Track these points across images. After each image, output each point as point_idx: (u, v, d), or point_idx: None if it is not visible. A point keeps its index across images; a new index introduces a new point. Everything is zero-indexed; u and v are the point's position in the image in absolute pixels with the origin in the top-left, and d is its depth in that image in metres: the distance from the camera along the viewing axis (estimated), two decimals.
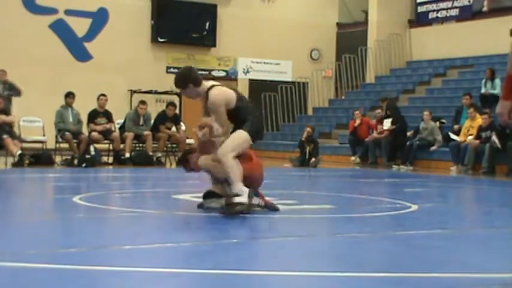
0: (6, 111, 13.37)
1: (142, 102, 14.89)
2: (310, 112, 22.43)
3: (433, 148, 15.21)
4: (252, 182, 6.18)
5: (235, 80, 21.94)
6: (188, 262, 4.05)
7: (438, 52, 20.78)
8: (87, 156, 13.49)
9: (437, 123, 15.81)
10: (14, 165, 12.56)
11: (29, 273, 3.65)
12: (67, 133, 13.65)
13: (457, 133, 14.80)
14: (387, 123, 15.90)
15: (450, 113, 16.19)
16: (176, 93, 20.19)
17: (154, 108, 17.46)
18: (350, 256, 4.52)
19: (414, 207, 7.14)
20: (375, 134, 16.06)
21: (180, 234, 5.30)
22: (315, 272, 3.82)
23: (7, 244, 4.61)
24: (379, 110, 16.71)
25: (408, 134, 15.76)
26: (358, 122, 16.79)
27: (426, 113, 15.40)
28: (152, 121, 14.85)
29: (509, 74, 4.93)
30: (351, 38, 22.77)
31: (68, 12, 19.36)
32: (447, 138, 14.99)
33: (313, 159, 15.20)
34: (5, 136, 12.83)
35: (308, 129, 15.76)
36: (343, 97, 22.36)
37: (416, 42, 22.00)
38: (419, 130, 15.50)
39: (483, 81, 16.36)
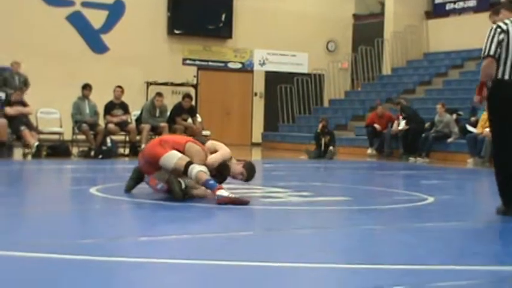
0: (24, 103, 13.45)
1: (159, 94, 14.91)
2: (326, 104, 22.37)
3: (449, 140, 15.13)
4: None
5: (251, 71, 21.92)
6: (203, 253, 4.06)
7: (455, 43, 20.63)
8: (104, 147, 13.55)
9: (454, 115, 15.71)
10: (32, 156, 12.65)
11: (46, 263, 3.67)
12: (84, 125, 13.71)
13: (474, 125, 14.69)
14: (402, 124, 15.73)
15: (467, 105, 16.09)
16: (192, 85, 20.22)
17: (170, 100, 17.49)
18: (366, 248, 4.51)
19: (431, 199, 7.11)
20: (395, 127, 15.87)
21: (195, 225, 5.31)
22: (330, 264, 3.82)
23: (24, 234, 4.64)
24: (400, 100, 16.55)
25: (426, 125, 15.64)
26: (380, 109, 16.60)
27: (439, 105, 15.29)
28: (168, 113, 14.88)
29: (481, 82, 5.57)
30: (367, 30, 22.67)
31: (85, 4, 19.42)
32: (464, 130, 14.90)
33: (331, 148, 15.17)
34: (22, 127, 12.92)
35: (323, 122, 15.74)
36: (359, 89, 22.27)
37: (434, 34, 21.86)
38: (435, 123, 15.40)
39: None
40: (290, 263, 3.79)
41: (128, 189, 6.83)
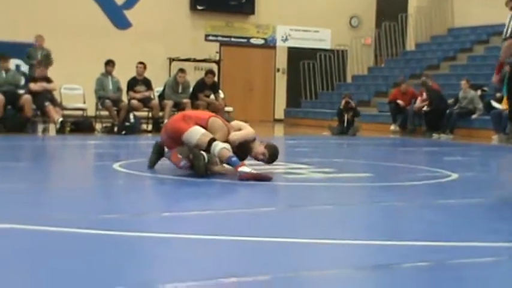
0: (48, 79, 13.53)
1: (181, 70, 14.92)
2: (349, 80, 22.26)
3: (474, 116, 14.99)
4: None
5: (274, 47, 21.84)
6: (226, 229, 4.08)
7: (481, 18, 20.35)
8: (127, 123, 13.62)
9: (479, 91, 15.55)
10: (56, 132, 12.76)
11: (71, 238, 3.71)
12: (107, 101, 13.78)
13: (499, 101, 14.53)
14: (425, 105, 15.51)
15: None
16: (214, 61, 20.19)
17: (192, 76, 17.50)
18: (388, 225, 4.51)
19: (454, 175, 7.06)
20: (418, 103, 15.74)
21: (218, 201, 5.33)
22: (352, 240, 3.82)
23: (50, 209, 4.70)
24: (425, 81, 16.38)
25: (449, 101, 15.51)
26: (404, 86, 16.46)
27: (463, 81, 15.13)
28: (191, 89, 14.90)
29: (500, 61, 5.76)
30: (391, 5, 22.45)
31: None
32: (489, 106, 14.75)
33: (356, 122, 15.13)
34: (47, 103, 13.02)
35: (346, 98, 15.68)
36: (382, 65, 22.12)
37: (458, 9, 21.59)
38: (459, 99, 15.26)
39: None
40: (312, 239, 3.80)
41: (151, 165, 6.86)
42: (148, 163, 6.88)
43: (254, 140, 6.77)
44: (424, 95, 15.63)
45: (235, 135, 6.63)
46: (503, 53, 6.04)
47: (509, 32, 5.88)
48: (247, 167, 6.17)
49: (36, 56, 14.69)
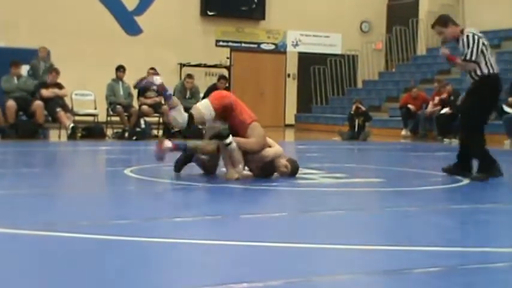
0: (59, 85, 13.57)
1: (189, 75, 14.96)
2: (360, 85, 22.23)
3: None
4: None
5: (284, 53, 21.85)
6: (237, 234, 4.08)
7: (492, 23, 20.27)
8: (138, 129, 13.66)
9: None
10: (67, 138, 12.80)
11: (82, 243, 3.72)
12: (118, 106, 13.81)
13: None
14: (446, 108, 15.41)
15: (505, 86, 15.79)
16: (225, 67, 20.22)
17: (203, 82, 17.54)
18: (400, 230, 4.49)
19: (466, 181, 7.03)
20: (430, 108, 15.67)
21: (229, 206, 5.33)
22: (363, 246, 3.81)
23: (61, 215, 4.71)
24: (436, 85, 16.31)
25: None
26: (415, 91, 16.40)
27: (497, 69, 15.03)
28: (201, 94, 14.92)
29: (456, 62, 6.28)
30: (401, 10, 22.42)
31: None
32: (501, 111, 14.69)
33: (366, 127, 15.06)
34: (58, 109, 13.07)
35: (356, 104, 15.65)
36: (393, 70, 22.08)
37: (470, 13, 21.52)
38: None
39: None
40: (323, 245, 3.79)
41: (178, 169, 6.88)
42: (174, 167, 6.85)
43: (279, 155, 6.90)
44: (436, 99, 15.57)
45: (269, 151, 6.74)
46: (460, 66, 6.99)
47: (471, 55, 6.70)
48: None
49: (39, 69, 14.47)
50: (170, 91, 6.66)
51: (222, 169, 7.20)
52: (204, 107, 6.62)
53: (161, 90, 6.73)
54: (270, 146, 6.87)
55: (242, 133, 6.60)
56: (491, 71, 6.81)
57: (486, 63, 6.80)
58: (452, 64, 7.22)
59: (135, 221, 4.43)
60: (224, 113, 6.61)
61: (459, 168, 7.16)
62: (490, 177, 6.98)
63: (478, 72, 6.79)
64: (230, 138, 6.41)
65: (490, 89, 6.93)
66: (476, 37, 6.79)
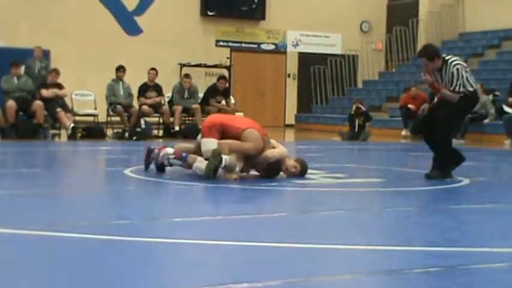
0: (59, 85, 13.57)
1: (186, 75, 14.97)
2: (360, 85, 22.23)
3: (486, 121, 14.93)
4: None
5: (284, 53, 21.85)
6: (237, 235, 4.08)
7: (492, 23, 20.29)
8: (138, 129, 13.66)
9: (491, 96, 15.49)
10: (67, 138, 12.80)
11: (82, 243, 3.73)
12: (118, 106, 13.82)
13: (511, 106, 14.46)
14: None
15: (504, 86, 15.84)
16: (225, 67, 20.22)
17: (203, 82, 17.55)
18: (400, 230, 4.50)
19: (466, 181, 7.04)
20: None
21: (229, 206, 5.34)
22: (363, 246, 3.81)
23: (61, 215, 4.71)
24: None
25: None
26: (414, 90, 16.39)
27: (477, 85, 15.06)
28: (200, 94, 14.93)
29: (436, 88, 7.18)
30: (401, 10, 22.42)
31: None
32: (501, 111, 14.69)
33: (367, 127, 15.04)
34: (58, 109, 13.07)
35: (356, 104, 15.65)
36: (393, 70, 22.08)
37: (470, 13, 21.53)
38: None
39: None
40: (323, 245, 3.79)
41: (213, 174, 6.59)
42: (208, 172, 6.49)
43: (285, 157, 6.92)
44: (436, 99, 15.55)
45: (273, 153, 6.77)
46: (445, 95, 7.11)
47: (459, 87, 7.00)
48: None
49: (34, 69, 14.44)
50: (185, 153, 6.72)
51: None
52: (210, 143, 6.60)
53: (179, 157, 6.73)
54: (274, 147, 6.90)
55: (238, 140, 6.68)
56: (472, 88, 7.13)
57: (469, 82, 7.11)
58: (435, 91, 7.34)
59: (135, 221, 4.43)
60: (221, 133, 6.73)
61: (439, 170, 7.21)
62: (445, 178, 7.06)
63: (462, 89, 7.07)
64: (223, 158, 6.42)
65: (469, 104, 7.36)
66: (461, 68, 7.05)
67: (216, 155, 6.37)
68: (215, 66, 20.04)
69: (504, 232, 4.40)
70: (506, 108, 14.54)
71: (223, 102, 14.93)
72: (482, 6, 20.90)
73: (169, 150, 6.81)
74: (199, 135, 6.95)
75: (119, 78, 14.23)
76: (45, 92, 13.23)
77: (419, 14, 21.74)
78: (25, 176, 7.17)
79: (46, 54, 15.58)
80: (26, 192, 5.77)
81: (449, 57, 7.24)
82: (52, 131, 13.36)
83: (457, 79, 7.02)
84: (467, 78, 7.09)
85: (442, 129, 7.18)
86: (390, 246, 3.82)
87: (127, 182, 6.65)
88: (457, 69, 7.03)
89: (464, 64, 7.28)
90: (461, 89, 7.03)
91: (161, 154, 6.84)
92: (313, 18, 21.56)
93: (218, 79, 15.18)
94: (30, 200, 5.32)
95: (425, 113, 7.76)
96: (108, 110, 14.21)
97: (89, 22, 18.83)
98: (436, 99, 7.34)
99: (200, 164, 6.50)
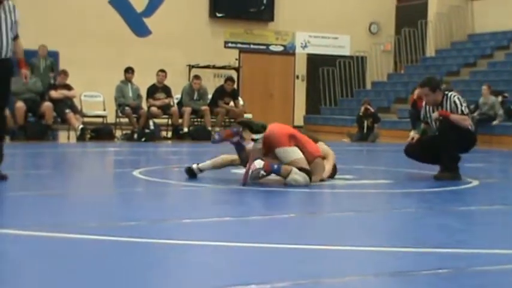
0: (68, 86, 13.61)
1: (196, 76, 14.98)
2: (368, 86, 22.20)
3: (494, 123, 14.89)
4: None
5: (293, 54, 21.84)
6: (245, 236, 4.08)
7: (501, 24, 20.24)
8: (147, 130, 13.68)
9: (499, 97, 15.44)
10: (76, 139, 12.84)
11: (91, 244, 3.73)
12: (127, 108, 13.84)
13: None
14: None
15: None
16: (234, 68, 20.23)
17: (212, 83, 17.55)
18: (408, 231, 4.49)
19: (475, 182, 7.02)
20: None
21: (237, 208, 5.34)
22: (372, 247, 3.80)
23: (70, 216, 4.72)
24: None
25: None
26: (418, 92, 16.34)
27: (485, 87, 15.02)
28: (209, 96, 14.94)
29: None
30: (410, 11, 22.38)
31: None
32: (509, 112, 14.65)
33: (375, 128, 15.00)
34: (67, 111, 13.11)
35: (365, 105, 15.63)
36: (402, 71, 22.05)
37: (479, 14, 21.47)
38: (479, 105, 15.15)
39: None
40: (332, 246, 3.79)
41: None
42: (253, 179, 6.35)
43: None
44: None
45: (326, 173, 6.81)
46: (455, 120, 7.15)
47: (466, 109, 7.15)
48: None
49: (38, 66, 14.46)
50: (277, 165, 6.41)
51: (232, 171, 7.22)
52: (295, 153, 6.54)
53: (270, 170, 6.40)
54: (324, 157, 6.89)
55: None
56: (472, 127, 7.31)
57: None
58: (446, 119, 7.25)
59: (144, 222, 4.44)
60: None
61: (448, 171, 7.20)
62: (454, 179, 7.04)
63: (467, 110, 7.25)
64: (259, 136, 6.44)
65: (471, 140, 7.41)
66: (461, 98, 7.26)
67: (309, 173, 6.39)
68: (224, 67, 20.06)
69: None
70: None
71: (232, 103, 14.94)
72: (491, 8, 20.85)
73: (258, 163, 6.32)
74: (252, 144, 6.60)
75: (127, 80, 14.26)
76: (54, 93, 13.27)
77: (428, 15, 21.70)
78: (34, 177, 7.20)
79: (55, 56, 15.60)
80: (34, 194, 5.79)
81: (448, 92, 7.40)
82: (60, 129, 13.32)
83: (461, 104, 7.16)
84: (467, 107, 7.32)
85: (445, 150, 7.21)
86: (399, 247, 3.82)
87: (136, 184, 6.66)
88: (458, 97, 7.22)
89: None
90: (468, 112, 7.22)
91: (252, 169, 6.54)
92: (322, 19, 21.55)
93: (225, 80, 15.20)
94: (39, 201, 5.34)
95: (413, 142, 7.77)
96: (116, 111, 14.24)
97: (98, 23, 18.88)
98: (437, 123, 7.37)
99: (297, 176, 6.36)
